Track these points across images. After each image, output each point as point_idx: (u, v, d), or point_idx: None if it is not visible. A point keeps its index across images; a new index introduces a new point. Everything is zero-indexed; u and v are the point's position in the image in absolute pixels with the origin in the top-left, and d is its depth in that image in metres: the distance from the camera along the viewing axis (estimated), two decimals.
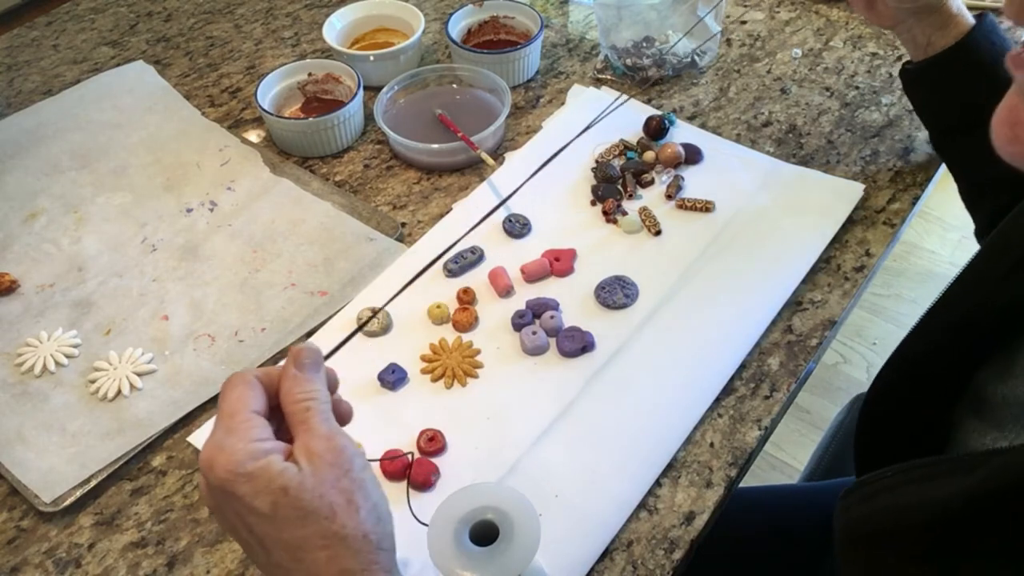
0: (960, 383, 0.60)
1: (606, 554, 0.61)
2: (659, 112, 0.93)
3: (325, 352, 0.49)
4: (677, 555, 0.61)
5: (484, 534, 0.54)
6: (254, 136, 0.95)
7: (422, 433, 0.67)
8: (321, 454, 0.44)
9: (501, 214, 0.84)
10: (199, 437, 0.69)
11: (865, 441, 0.69)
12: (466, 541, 0.53)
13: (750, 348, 0.73)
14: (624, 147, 0.89)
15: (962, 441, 0.58)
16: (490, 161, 0.86)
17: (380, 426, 0.69)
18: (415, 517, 0.56)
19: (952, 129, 0.78)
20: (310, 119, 0.89)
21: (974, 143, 0.74)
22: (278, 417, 0.48)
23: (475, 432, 0.68)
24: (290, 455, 0.45)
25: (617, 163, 0.88)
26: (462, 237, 0.65)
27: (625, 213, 0.83)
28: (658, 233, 0.82)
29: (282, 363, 0.48)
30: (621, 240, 0.82)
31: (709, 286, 0.77)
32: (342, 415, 0.50)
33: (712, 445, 0.67)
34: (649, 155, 0.88)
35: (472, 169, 0.90)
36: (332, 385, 0.49)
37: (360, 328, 0.56)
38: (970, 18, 0.74)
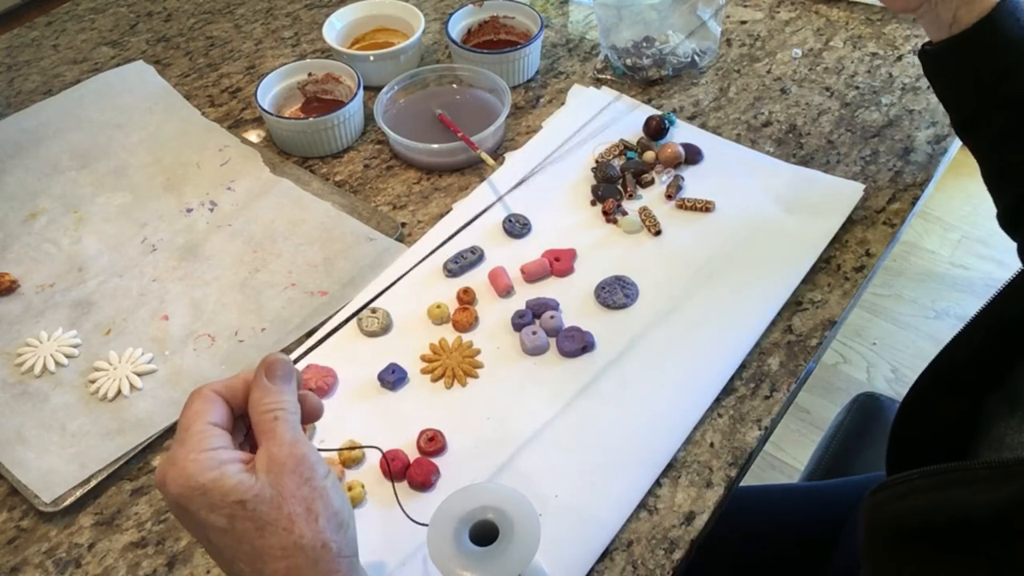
0: (997, 379, 0.59)
1: (606, 554, 0.61)
2: (659, 112, 0.93)
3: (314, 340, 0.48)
4: (677, 555, 0.61)
5: (484, 534, 0.54)
6: (254, 136, 0.95)
7: (422, 433, 0.67)
8: (282, 461, 0.44)
9: (501, 214, 0.84)
10: None
11: (899, 437, 0.67)
12: (466, 541, 0.53)
13: (750, 348, 0.73)
14: (624, 147, 0.89)
15: (996, 437, 0.57)
16: (490, 161, 0.86)
17: (380, 426, 0.69)
18: (404, 512, 0.56)
19: (975, 111, 0.74)
20: (310, 119, 0.89)
21: (998, 125, 0.72)
22: (246, 425, 0.48)
23: (475, 432, 0.68)
24: (249, 462, 0.44)
25: (617, 163, 0.88)
26: (459, 230, 0.65)
27: (625, 213, 0.83)
28: (658, 233, 0.82)
29: (244, 371, 0.49)
30: (621, 240, 0.82)
31: (709, 286, 0.77)
32: (312, 411, 0.50)
33: (712, 445, 0.67)
34: (649, 155, 0.88)
35: (472, 169, 0.90)
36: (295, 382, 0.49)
37: (343, 323, 0.56)
38: None
